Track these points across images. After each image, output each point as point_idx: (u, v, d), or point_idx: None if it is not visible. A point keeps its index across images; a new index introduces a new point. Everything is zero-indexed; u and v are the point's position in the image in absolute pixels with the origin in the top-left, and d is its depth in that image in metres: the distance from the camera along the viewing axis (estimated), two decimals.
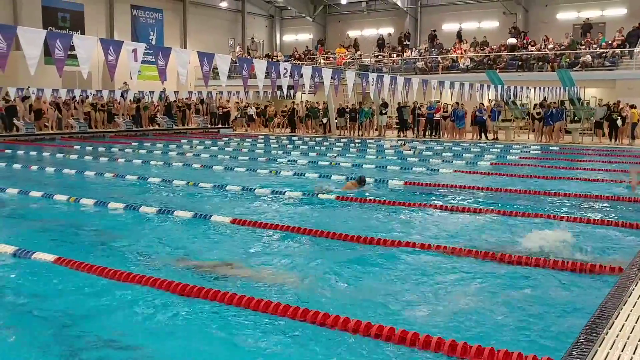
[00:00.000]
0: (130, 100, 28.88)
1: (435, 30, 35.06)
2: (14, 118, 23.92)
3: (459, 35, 33.32)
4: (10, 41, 8.45)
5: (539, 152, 19.25)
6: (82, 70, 9.23)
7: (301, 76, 13.61)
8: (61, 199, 9.51)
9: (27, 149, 19.19)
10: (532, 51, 29.02)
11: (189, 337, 4.21)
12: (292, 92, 30.11)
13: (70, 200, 9.39)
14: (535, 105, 24.83)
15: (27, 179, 12.39)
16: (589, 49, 27.62)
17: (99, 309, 4.73)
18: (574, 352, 3.51)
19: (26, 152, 18.23)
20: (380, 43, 35.94)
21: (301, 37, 42.34)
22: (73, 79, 26.92)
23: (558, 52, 28.11)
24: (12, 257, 6.08)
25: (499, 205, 9.30)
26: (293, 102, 31.35)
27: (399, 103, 27.01)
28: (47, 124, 25.43)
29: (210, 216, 8.06)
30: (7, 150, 18.68)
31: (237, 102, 33.26)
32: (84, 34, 26.49)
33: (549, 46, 29.10)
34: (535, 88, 24.79)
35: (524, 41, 30.42)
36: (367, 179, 11.01)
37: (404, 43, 35.15)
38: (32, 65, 8.29)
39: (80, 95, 26.20)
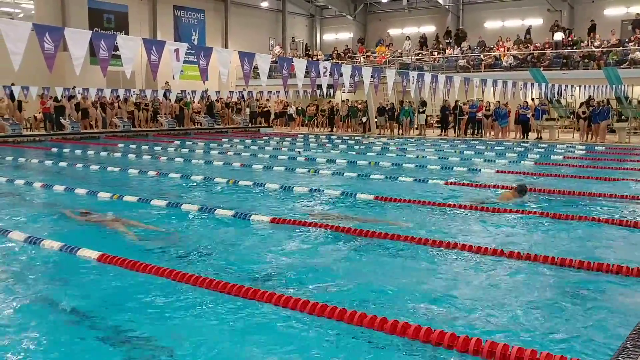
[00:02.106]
0: (169, 99, 29.25)
1: (459, 30, 34.68)
2: (61, 117, 24.59)
3: (528, 31, 32.16)
4: (58, 42, 8.65)
5: (584, 151, 18.81)
6: (125, 70, 9.38)
7: (341, 75, 13.58)
8: (105, 197, 9.71)
9: (73, 147, 19.66)
10: (577, 49, 28.31)
11: (235, 340, 4.22)
12: (331, 91, 30.11)
13: (114, 198, 9.58)
14: (582, 103, 24.25)
15: (73, 176, 12.69)
16: (638, 46, 26.81)
17: (142, 305, 4.81)
18: (619, 359, 3.40)
19: (72, 151, 18.67)
20: (423, 42, 35.60)
21: (341, 36, 42.31)
22: (117, 79, 27.47)
23: (605, 50, 27.39)
24: (58, 253, 6.22)
25: (543, 206, 9.11)
26: (330, 102, 31.34)
27: (445, 101, 26.63)
28: (92, 122, 26.03)
29: (250, 215, 8.11)
30: (53, 149, 19.18)
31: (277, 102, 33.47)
32: (128, 35, 26.99)
33: (595, 43, 28.37)
34: (580, 86, 24.20)
35: (569, 39, 29.72)
36: (526, 188, 9.53)
37: (447, 41, 34.77)
38: (78, 66, 8.46)
39: (124, 94, 26.72)
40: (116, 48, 9.37)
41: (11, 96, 23.77)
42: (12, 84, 22.91)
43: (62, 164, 15.00)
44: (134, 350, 3.98)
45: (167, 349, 3.99)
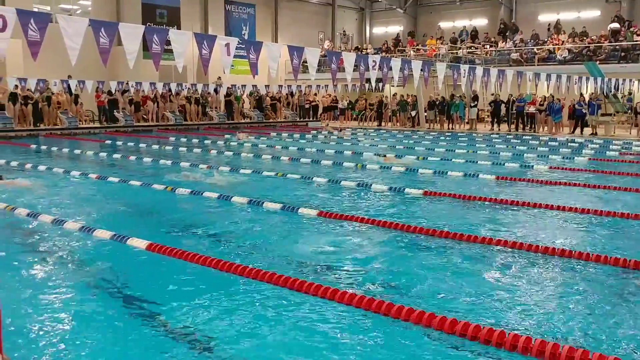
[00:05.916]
0: (218, 93, 29.61)
1: (503, 24, 33.99)
2: (115, 110, 25.26)
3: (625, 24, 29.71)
4: (112, 37, 8.88)
5: None
6: (177, 64, 9.56)
7: (390, 68, 13.50)
8: (159, 188, 9.90)
9: (126, 139, 20.13)
10: (629, 42, 27.22)
11: (282, 331, 4.25)
12: (380, 84, 29.94)
13: (167, 189, 9.75)
14: None
15: (126, 168, 12.99)
16: None
17: (189, 294, 4.89)
18: None
19: (124, 143, 19.12)
20: (474, 35, 35.05)
21: (391, 29, 41.96)
22: (169, 73, 27.95)
23: None
24: (109, 242, 6.39)
25: (596, 203, 8.86)
26: (380, 96, 31.16)
27: (495, 95, 26.11)
28: (145, 116, 26.61)
29: (298, 208, 8.14)
30: (107, 141, 19.69)
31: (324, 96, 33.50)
32: (180, 29, 27.42)
33: None
34: (639, 80, 23.38)
35: (631, 30, 28.58)
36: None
37: (500, 34, 34.11)
38: (131, 60, 8.67)
39: (176, 88, 27.22)
40: (168, 42, 9.55)
41: (68, 90, 24.52)
42: (69, 77, 23.62)
43: (116, 155, 15.38)
44: (186, 338, 4.06)
45: (214, 338, 4.05)
